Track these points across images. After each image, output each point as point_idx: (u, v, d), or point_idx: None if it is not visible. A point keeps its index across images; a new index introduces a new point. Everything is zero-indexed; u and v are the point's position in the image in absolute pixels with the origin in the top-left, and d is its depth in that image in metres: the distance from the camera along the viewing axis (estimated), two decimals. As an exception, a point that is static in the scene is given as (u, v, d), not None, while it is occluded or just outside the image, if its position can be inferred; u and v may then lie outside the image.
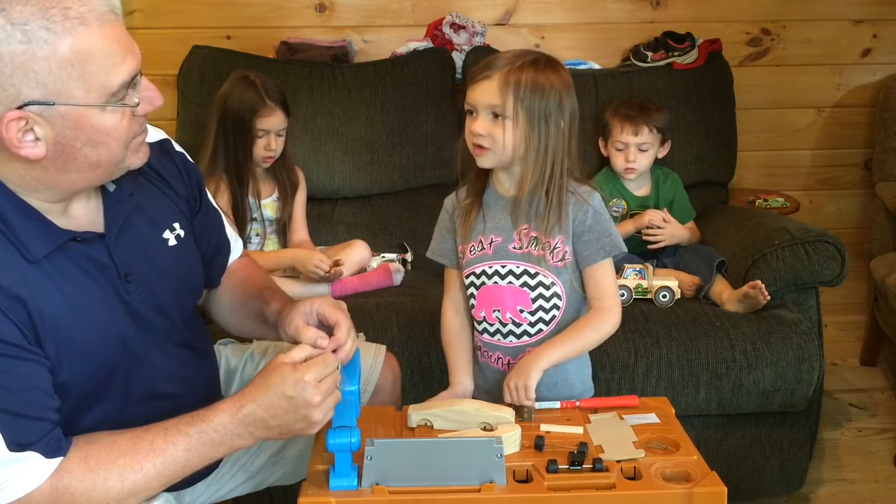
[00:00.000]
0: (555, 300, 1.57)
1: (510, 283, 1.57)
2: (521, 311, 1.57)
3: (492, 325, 1.60)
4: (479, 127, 1.49)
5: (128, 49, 1.13)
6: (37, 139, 1.10)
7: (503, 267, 1.57)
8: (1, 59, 1.05)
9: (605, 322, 1.55)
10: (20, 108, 1.07)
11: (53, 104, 1.08)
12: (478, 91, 1.50)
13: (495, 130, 1.48)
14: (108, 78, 1.11)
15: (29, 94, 1.07)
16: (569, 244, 1.55)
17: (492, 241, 1.58)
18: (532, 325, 1.58)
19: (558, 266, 1.55)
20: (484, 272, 1.59)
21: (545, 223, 1.53)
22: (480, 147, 1.50)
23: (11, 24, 1.04)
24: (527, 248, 1.55)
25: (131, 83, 1.14)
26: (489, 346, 1.62)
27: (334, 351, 1.24)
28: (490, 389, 1.60)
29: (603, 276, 1.56)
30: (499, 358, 1.62)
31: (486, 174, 1.59)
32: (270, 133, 2.30)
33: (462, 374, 1.62)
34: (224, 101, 2.29)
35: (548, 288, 1.56)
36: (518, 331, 1.58)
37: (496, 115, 1.49)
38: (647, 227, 2.38)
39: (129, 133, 1.17)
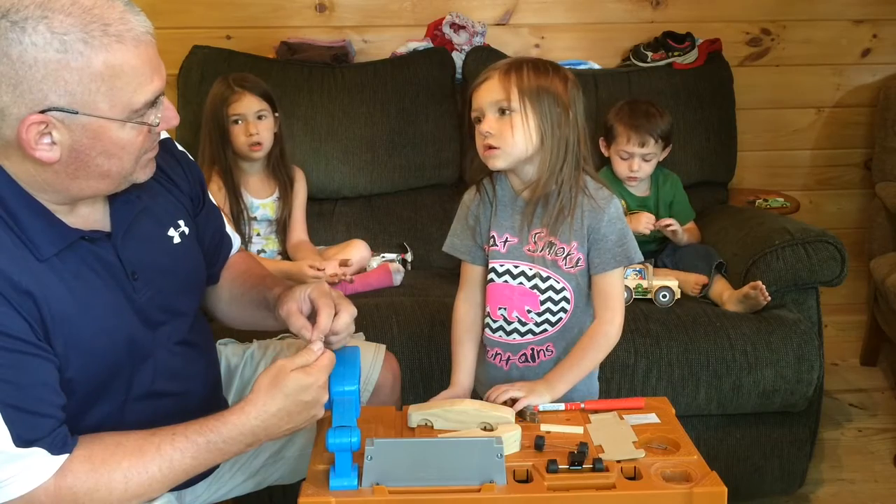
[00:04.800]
0: (563, 304, 1.57)
1: (521, 283, 1.57)
2: (529, 311, 1.57)
3: (495, 321, 1.61)
4: (486, 126, 1.47)
5: (156, 70, 1.16)
6: (53, 143, 1.11)
7: (516, 267, 1.57)
8: (35, 64, 1.06)
9: (606, 338, 1.54)
10: (43, 112, 1.09)
11: (77, 113, 1.10)
12: (481, 93, 1.49)
13: (503, 128, 1.46)
14: (134, 96, 1.13)
15: (55, 101, 1.09)
16: (583, 251, 1.54)
17: (506, 241, 1.58)
18: (538, 325, 1.58)
19: (571, 272, 1.55)
20: (494, 269, 1.59)
21: (559, 228, 1.52)
22: (490, 148, 1.48)
23: (51, 32, 1.06)
24: (541, 252, 1.55)
25: (154, 102, 1.17)
26: (489, 342, 1.63)
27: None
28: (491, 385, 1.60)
29: (609, 286, 1.55)
30: (497, 353, 1.62)
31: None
32: (247, 117, 2.30)
33: (463, 374, 1.62)
34: (206, 104, 2.34)
35: (558, 292, 1.56)
36: (523, 329, 1.59)
37: (503, 112, 1.47)
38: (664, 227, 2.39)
39: (143, 148, 1.19)
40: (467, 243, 1.63)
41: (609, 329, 1.54)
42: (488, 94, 1.48)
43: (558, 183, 1.50)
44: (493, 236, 1.59)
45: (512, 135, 1.46)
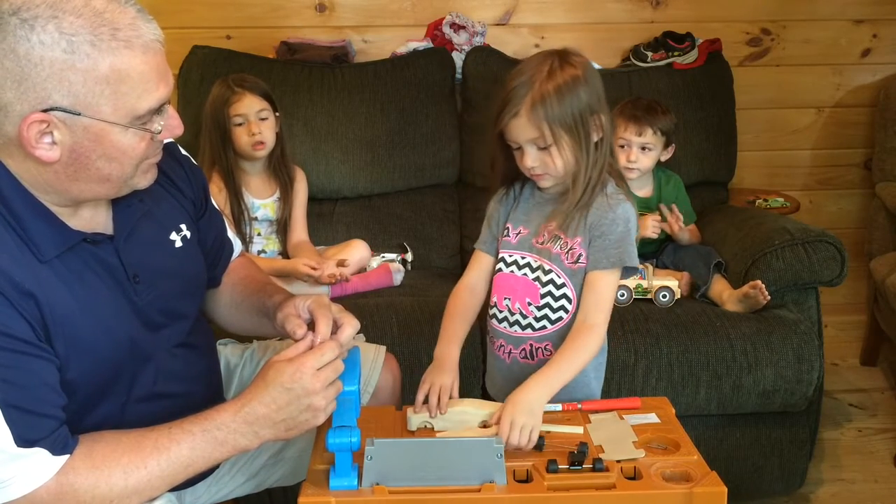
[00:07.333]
0: (563, 302, 1.56)
1: (525, 274, 1.59)
2: (529, 304, 1.58)
3: (501, 311, 1.62)
4: (529, 161, 1.52)
5: (163, 78, 1.16)
6: (53, 143, 1.12)
7: (523, 258, 1.59)
8: (41, 63, 1.07)
9: (590, 339, 1.50)
10: (45, 111, 1.09)
11: (79, 115, 1.10)
12: (512, 130, 1.51)
13: (545, 159, 1.51)
14: (139, 102, 1.13)
15: (58, 101, 1.09)
16: (585, 247, 1.55)
17: (519, 233, 1.61)
18: (537, 319, 1.58)
19: (572, 268, 1.55)
20: (503, 259, 1.61)
21: (570, 224, 1.54)
22: (538, 175, 1.54)
23: (60, 32, 1.07)
24: (547, 244, 1.57)
25: (158, 110, 1.17)
26: (495, 333, 1.64)
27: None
28: (502, 388, 1.58)
29: (599, 283, 1.53)
30: (501, 346, 1.63)
31: None
32: (248, 117, 2.30)
33: (451, 344, 1.57)
34: (206, 106, 2.34)
35: (558, 287, 1.56)
36: (524, 322, 1.59)
37: (540, 146, 1.51)
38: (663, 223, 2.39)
39: (144, 155, 1.19)
40: (485, 232, 1.67)
41: (592, 333, 1.50)
42: (522, 132, 1.50)
43: (587, 178, 1.53)
44: (507, 227, 1.62)
45: (554, 163, 1.52)
